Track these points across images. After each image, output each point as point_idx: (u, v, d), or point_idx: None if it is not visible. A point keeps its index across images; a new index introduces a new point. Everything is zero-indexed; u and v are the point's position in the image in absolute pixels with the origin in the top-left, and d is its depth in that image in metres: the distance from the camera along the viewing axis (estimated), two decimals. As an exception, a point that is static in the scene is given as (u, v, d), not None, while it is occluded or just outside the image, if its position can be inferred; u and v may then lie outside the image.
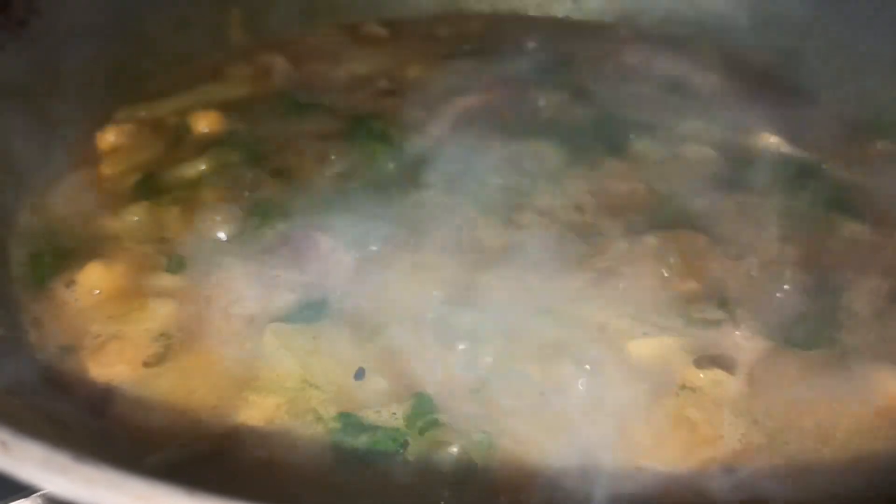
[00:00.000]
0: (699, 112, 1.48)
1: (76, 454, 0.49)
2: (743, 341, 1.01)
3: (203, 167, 1.26)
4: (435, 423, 0.89)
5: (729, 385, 0.94)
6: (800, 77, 1.62)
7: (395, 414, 0.90)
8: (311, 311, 1.02)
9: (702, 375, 0.95)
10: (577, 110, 1.47)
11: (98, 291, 1.04)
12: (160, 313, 1.01)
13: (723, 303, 1.06)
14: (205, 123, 1.36)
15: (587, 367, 0.96)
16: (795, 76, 1.62)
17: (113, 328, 0.99)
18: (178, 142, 1.34)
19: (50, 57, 1.33)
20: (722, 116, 1.48)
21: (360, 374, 0.93)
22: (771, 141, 1.40)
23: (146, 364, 0.95)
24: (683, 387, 0.95)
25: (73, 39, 1.37)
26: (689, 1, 1.78)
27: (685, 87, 1.57)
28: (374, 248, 1.13)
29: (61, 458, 0.49)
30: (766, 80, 1.63)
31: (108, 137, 1.31)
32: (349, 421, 0.89)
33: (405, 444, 0.88)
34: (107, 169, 1.25)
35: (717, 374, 0.95)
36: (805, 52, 1.64)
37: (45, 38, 1.33)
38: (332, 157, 1.29)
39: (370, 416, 0.90)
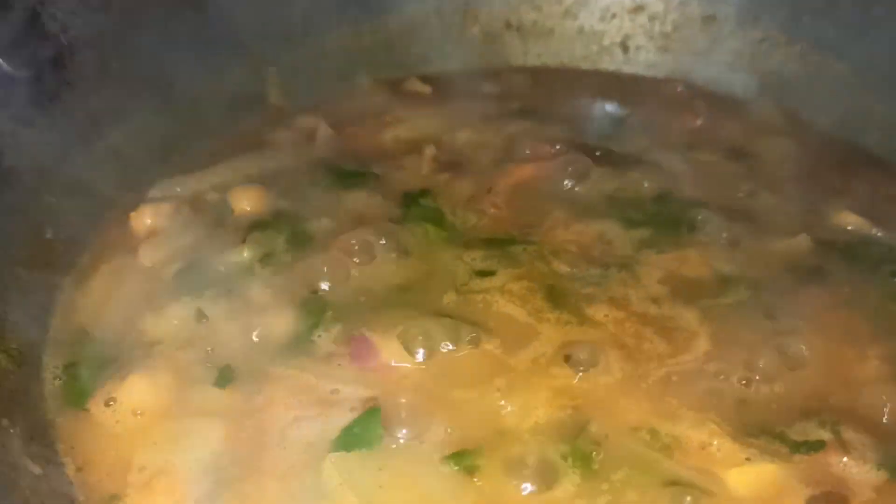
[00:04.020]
0: (768, 185, 1.39)
1: None
2: (853, 470, 0.91)
3: (246, 255, 1.16)
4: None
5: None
6: (870, 142, 1.52)
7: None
8: (372, 433, 0.92)
9: (817, 521, 0.85)
10: (638, 183, 1.37)
11: (140, 411, 0.94)
12: (210, 439, 0.92)
13: (825, 419, 0.97)
14: (246, 201, 1.27)
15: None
16: (866, 141, 1.52)
17: (159, 459, 0.90)
18: (220, 222, 1.25)
19: (82, 132, 1.25)
20: (792, 190, 1.38)
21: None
22: (851, 220, 1.30)
23: (197, 504, 0.86)
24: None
25: (106, 113, 1.29)
26: (745, 57, 1.68)
27: (750, 154, 1.47)
28: (436, 351, 1.04)
29: None
30: (835, 146, 1.53)
31: (145, 219, 1.22)
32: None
33: None
34: (146, 259, 1.16)
35: (833, 518, 0.85)
36: (874, 115, 1.54)
37: (77, 112, 1.24)
38: (383, 242, 1.20)
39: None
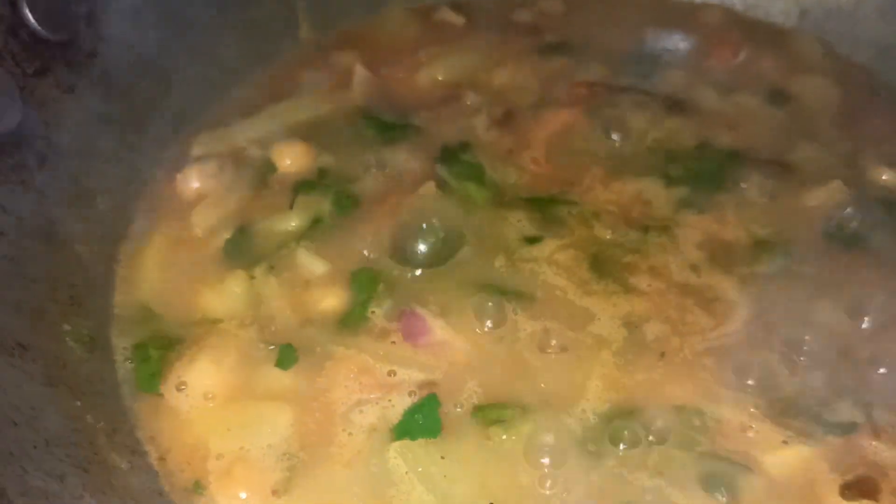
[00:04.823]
0: (807, 133, 1.38)
1: None
2: (885, 454, 0.97)
3: (294, 223, 1.18)
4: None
5: (876, 517, 0.91)
6: (912, 81, 1.51)
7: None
8: (432, 422, 0.97)
9: (849, 507, 0.92)
10: (678, 132, 1.37)
11: (211, 395, 1.00)
12: (279, 423, 0.98)
13: (858, 400, 1.02)
14: (290, 159, 1.28)
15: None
16: (907, 80, 1.51)
17: (234, 445, 0.96)
18: (264, 182, 1.26)
19: (120, 90, 1.24)
20: (831, 139, 1.38)
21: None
22: (886, 178, 1.30)
23: (274, 492, 0.92)
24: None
25: (142, 65, 1.27)
26: (784, -21, 1.62)
27: (790, 96, 1.46)
28: (486, 327, 1.08)
29: None
30: (875, 85, 1.51)
31: (191, 182, 1.24)
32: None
33: None
34: (197, 226, 1.18)
35: (864, 504, 0.92)
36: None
37: (115, 69, 1.23)
38: (427, 207, 1.21)
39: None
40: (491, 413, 1.00)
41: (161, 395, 1.00)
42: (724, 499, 0.93)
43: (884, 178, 1.30)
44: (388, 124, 1.36)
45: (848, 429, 0.99)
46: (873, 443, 0.98)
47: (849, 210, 1.25)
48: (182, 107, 1.33)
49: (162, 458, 0.95)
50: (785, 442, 0.98)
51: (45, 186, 1.08)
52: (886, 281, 1.14)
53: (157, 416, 0.99)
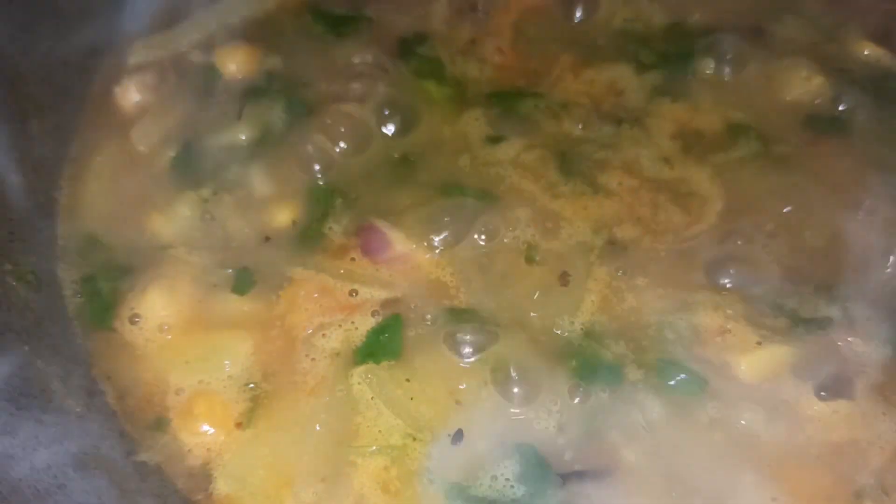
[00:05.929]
0: (788, 4, 1.29)
1: None
2: (859, 349, 0.95)
3: (244, 135, 1.11)
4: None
5: (851, 416, 0.90)
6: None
7: (507, 480, 0.87)
8: (395, 338, 0.95)
9: (824, 407, 0.90)
10: (648, 12, 1.28)
11: (167, 327, 0.96)
12: (240, 353, 0.95)
13: (833, 293, 0.99)
14: (234, 63, 1.19)
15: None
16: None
17: (194, 379, 0.93)
18: (209, 90, 1.18)
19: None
20: (814, 9, 1.29)
21: (457, 438, 0.88)
22: (868, 53, 1.22)
23: (238, 425, 0.90)
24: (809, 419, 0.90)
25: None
26: None
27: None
28: (448, 238, 1.03)
29: None
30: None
31: (131, 95, 1.15)
32: (462, 495, 0.86)
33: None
34: (139, 143, 1.11)
35: (839, 404, 0.90)
36: None
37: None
38: (385, 110, 1.14)
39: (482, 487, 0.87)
40: (458, 323, 0.96)
41: (114, 330, 0.96)
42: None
43: (866, 52, 1.23)
44: (338, 18, 1.26)
45: (823, 324, 0.97)
46: (849, 339, 0.95)
47: (828, 89, 1.18)
48: (113, 11, 1.22)
49: (120, 397, 0.92)
50: (759, 343, 0.95)
51: (-32, 114, 1.00)
52: (866, 164, 1.09)
53: (113, 353, 0.95)
